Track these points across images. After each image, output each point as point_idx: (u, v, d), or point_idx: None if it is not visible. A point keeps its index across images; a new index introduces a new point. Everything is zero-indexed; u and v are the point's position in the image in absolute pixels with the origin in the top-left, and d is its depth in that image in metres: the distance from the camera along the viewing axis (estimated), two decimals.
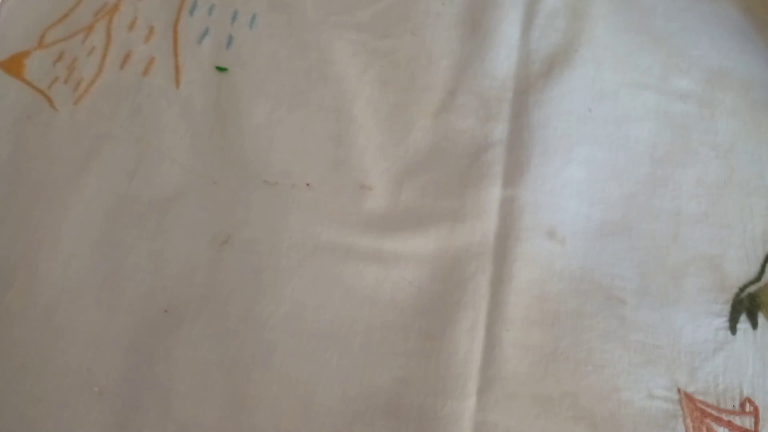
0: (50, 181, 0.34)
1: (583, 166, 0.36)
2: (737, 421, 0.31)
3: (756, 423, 0.31)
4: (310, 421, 0.30)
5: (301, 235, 0.33)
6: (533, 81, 0.38)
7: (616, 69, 0.39)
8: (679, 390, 0.31)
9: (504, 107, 0.37)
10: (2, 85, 0.37)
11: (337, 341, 0.31)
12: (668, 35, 0.40)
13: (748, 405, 0.31)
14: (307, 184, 0.34)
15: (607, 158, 0.36)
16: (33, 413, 0.29)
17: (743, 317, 0.33)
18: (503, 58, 0.38)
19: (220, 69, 0.37)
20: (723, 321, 0.33)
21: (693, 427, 0.30)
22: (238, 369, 0.31)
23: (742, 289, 0.33)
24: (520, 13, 0.40)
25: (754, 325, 0.33)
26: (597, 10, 0.40)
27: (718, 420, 0.31)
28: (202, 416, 0.30)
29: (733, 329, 0.32)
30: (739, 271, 0.34)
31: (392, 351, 0.31)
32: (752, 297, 0.33)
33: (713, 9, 0.41)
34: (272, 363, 0.31)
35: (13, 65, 0.37)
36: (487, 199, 0.34)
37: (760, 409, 0.31)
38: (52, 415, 0.29)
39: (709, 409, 0.31)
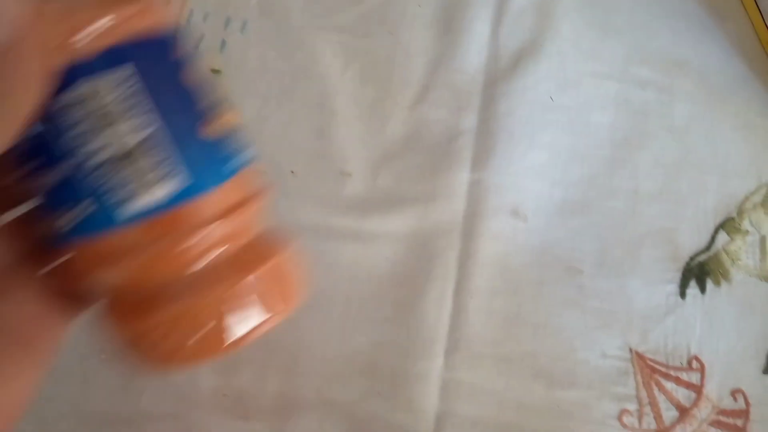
0: None
1: (545, 150, 0.39)
2: (684, 376, 0.33)
3: (702, 378, 0.33)
4: (293, 381, 0.33)
5: (286, 218, 0.37)
6: (501, 74, 0.41)
7: (579, 61, 0.42)
8: (630, 350, 0.34)
9: (474, 99, 0.40)
10: None
11: (319, 311, 0.35)
12: (630, 28, 0.43)
13: (695, 362, 0.34)
14: (292, 172, 0.38)
15: (568, 143, 0.39)
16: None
17: (692, 283, 0.36)
18: (474, 54, 0.41)
19: (215, 71, 0.41)
20: (674, 287, 0.35)
21: (643, 382, 0.33)
22: None
23: (692, 258, 0.36)
24: (490, 13, 0.43)
25: (703, 290, 0.35)
26: (562, 7, 0.43)
27: (666, 376, 0.33)
28: (196, 379, 0.33)
29: (682, 294, 0.35)
30: (691, 242, 0.37)
31: (369, 318, 0.35)
32: (701, 265, 0.36)
33: (673, 3, 0.44)
34: None
35: None
36: (456, 182, 0.38)
37: (706, 366, 0.34)
38: (62, 382, 0.33)
39: (658, 366, 0.34)
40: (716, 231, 0.37)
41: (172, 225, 0.20)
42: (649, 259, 0.36)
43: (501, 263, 0.36)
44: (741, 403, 0.33)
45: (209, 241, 0.21)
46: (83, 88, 0.19)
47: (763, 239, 0.37)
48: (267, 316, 0.22)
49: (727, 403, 0.33)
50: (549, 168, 0.38)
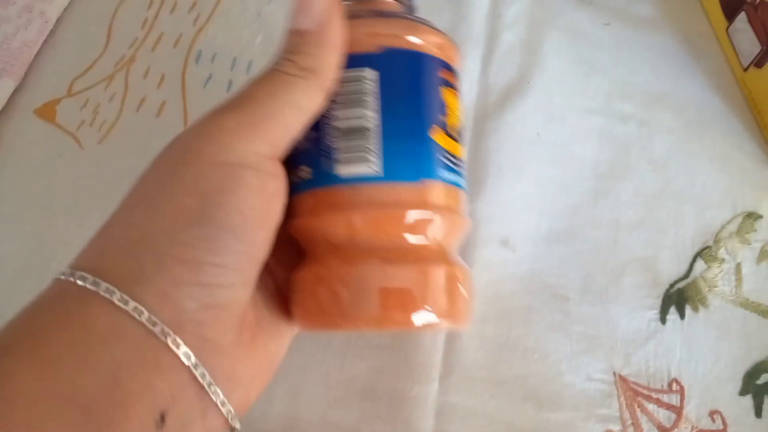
0: (80, 209, 0.40)
1: (532, 183, 0.41)
2: (665, 398, 0.36)
3: (681, 399, 0.36)
4: (298, 405, 0.35)
5: None
6: (490, 110, 0.43)
7: (564, 96, 0.44)
8: (614, 373, 0.36)
9: (465, 134, 0.42)
10: (38, 128, 0.43)
11: (321, 338, 0.37)
12: (612, 64, 0.46)
13: (674, 384, 0.36)
14: None
15: (554, 175, 0.41)
16: None
17: (672, 309, 0.38)
18: (465, 91, 0.44)
19: None
20: (655, 313, 0.38)
21: (626, 404, 0.35)
22: None
23: (672, 285, 0.38)
24: (480, 51, 0.45)
25: (682, 315, 0.38)
26: (548, 45, 0.46)
27: (648, 398, 0.36)
28: None
29: (663, 320, 0.37)
30: (671, 269, 0.39)
31: (368, 345, 0.37)
32: (681, 292, 0.38)
33: (653, 40, 0.47)
34: None
35: (47, 111, 0.44)
36: None
37: (686, 388, 0.36)
38: None
39: (640, 389, 0.36)
40: (694, 259, 0.39)
41: (379, 197, 0.26)
42: (631, 286, 0.38)
43: (492, 291, 0.38)
44: (719, 424, 0.35)
45: (405, 226, 0.26)
46: (360, 71, 0.27)
47: (738, 267, 0.39)
48: (437, 317, 0.26)
49: (706, 424, 0.35)
50: (536, 199, 0.41)
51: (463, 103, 0.43)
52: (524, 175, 0.41)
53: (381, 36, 0.28)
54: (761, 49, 0.42)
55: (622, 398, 0.35)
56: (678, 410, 0.35)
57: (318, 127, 0.27)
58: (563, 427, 0.34)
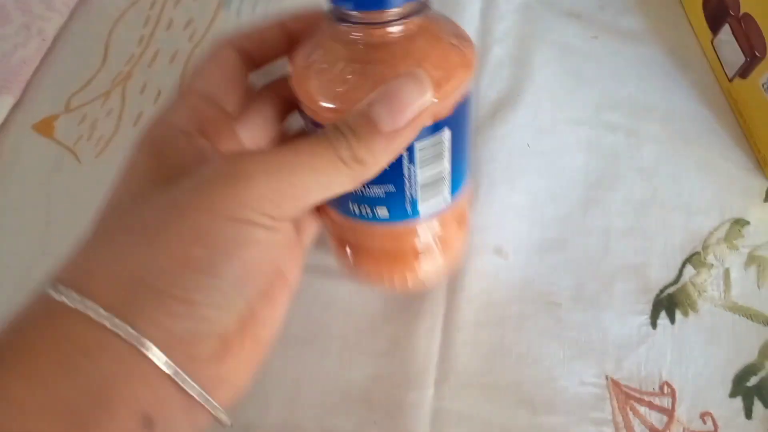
0: (78, 222, 0.40)
1: (524, 193, 0.42)
2: (656, 401, 0.36)
3: (673, 402, 0.36)
4: (295, 412, 0.36)
5: None
6: (482, 123, 0.44)
7: (554, 109, 0.45)
8: (606, 377, 0.37)
9: None
10: (36, 143, 0.44)
11: (318, 345, 0.37)
12: (600, 77, 0.47)
13: (666, 388, 0.36)
14: None
15: (545, 185, 0.42)
16: None
17: (663, 314, 0.38)
18: None
19: None
20: (645, 318, 0.38)
21: (618, 407, 0.36)
22: None
23: (662, 291, 0.39)
24: None
25: (672, 320, 0.38)
26: (538, 58, 0.47)
27: (640, 401, 0.36)
28: None
29: (653, 325, 0.38)
30: (660, 276, 0.40)
31: (364, 352, 0.37)
32: (670, 297, 0.39)
33: (640, 52, 0.48)
34: (263, 366, 0.37)
35: (45, 127, 0.44)
36: None
37: (677, 391, 0.36)
38: None
39: (632, 392, 0.36)
40: (683, 265, 0.40)
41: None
42: (622, 292, 0.39)
43: (485, 298, 0.38)
44: (710, 425, 0.36)
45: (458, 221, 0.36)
46: (441, 135, 0.29)
47: (726, 272, 0.40)
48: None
49: (697, 425, 0.36)
50: (528, 209, 0.42)
51: None
52: (516, 186, 0.42)
53: (455, 94, 0.28)
54: (745, 60, 0.43)
55: (614, 402, 0.36)
56: (670, 413, 0.36)
57: (398, 184, 0.29)
58: (557, 431, 0.35)
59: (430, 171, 0.30)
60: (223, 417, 0.25)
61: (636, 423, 0.35)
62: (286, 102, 0.34)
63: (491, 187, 0.42)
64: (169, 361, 0.22)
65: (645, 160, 0.44)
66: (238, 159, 0.25)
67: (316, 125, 0.28)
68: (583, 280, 0.39)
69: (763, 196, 0.43)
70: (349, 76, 0.26)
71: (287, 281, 0.30)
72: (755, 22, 0.42)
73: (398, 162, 0.28)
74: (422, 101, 0.25)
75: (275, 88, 0.34)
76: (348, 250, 0.35)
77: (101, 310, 0.22)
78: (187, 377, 0.23)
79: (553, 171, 0.43)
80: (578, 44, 0.48)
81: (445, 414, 0.35)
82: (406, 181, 0.29)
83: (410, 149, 0.28)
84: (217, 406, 0.25)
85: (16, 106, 0.45)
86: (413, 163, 0.29)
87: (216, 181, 0.24)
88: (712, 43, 0.47)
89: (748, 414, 0.36)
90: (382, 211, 0.31)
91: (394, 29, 0.27)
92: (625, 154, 0.44)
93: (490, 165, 0.42)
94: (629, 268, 0.40)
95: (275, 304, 0.29)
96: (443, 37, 0.28)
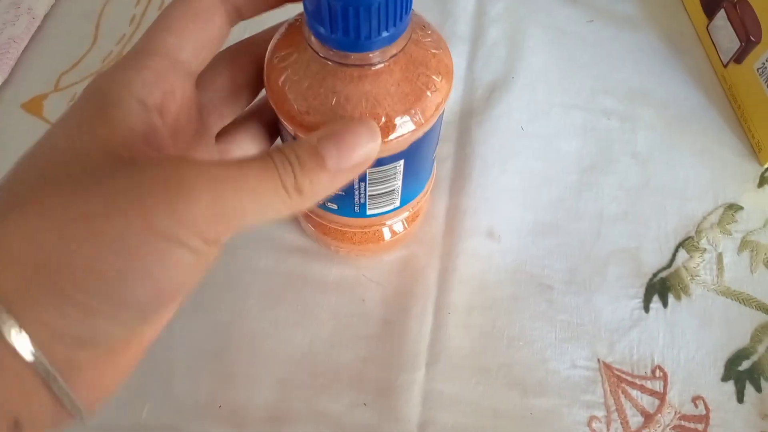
0: None
1: (517, 176, 0.41)
2: (648, 384, 0.36)
3: (665, 386, 0.36)
4: (285, 394, 0.35)
5: (278, 241, 0.39)
6: (476, 105, 0.44)
7: (549, 92, 0.45)
8: (598, 360, 0.36)
9: (451, 129, 0.43)
10: (25, 123, 0.43)
11: (309, 328, 0.37)
12: (596, 61, 0.46)
13: (658, 371, 0.36)
14: None
15: (538, 168, 0.42)
16: None
17: (655, 298, 0.38)
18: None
19: None
20: (638, 302, 0.38)
21: (610, 390, 0.36)
22: (225, 354, 0.36)
23: (655, 275, 0.39)
24: (466, 48, 0.46)
25: (665, 304, 0.38)
26: (533, 41, 0.47)
27: (632, 384, 0.36)
28: (195, 392, 0.35)
29: (646, 309, 0.38)
30: (653, 260, 0.39)
31: (355, 335, 0.37)
32: (663, 281, 0.39)
33: (636, 38, 0.48)
34: (254, 348, 0.37)
35: (34, 106, 0.44)
36: (436, 206, 0.40)
37: (669, 374, 0.36)
38: None
39: (624, 375, 0.36)
40: (676, 249, 0.40)
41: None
42: (615, 276, 0.39)
43: (477, 281, 0.38)
44: (701, 409, 0.36)
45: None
46: (395, 165, 0.29)
47: (719, 256, 0.40)
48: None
49: (689, 409, 0.35)
50: (521, 192, 0.41)
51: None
52: (509, 169, 0.42)
53: (410, 137, 0.28)
54: (740, 46, 0.43)
55: (606, 385, 0.36)
56: (661, 396, 0.35)
57: (348, 192, 0.31)
58: (548, 414, 0.35)
59: (380, 188, 0.31)
60: (86, 422, 0.23)
61: (628, 406, 0.35)
62: (275, 124, 0.32)
63: (484, 168, 0.41)
64: (45, 363, 0.20)
65: (639, 145, 0.43)
66: (183, 166, 0.22)
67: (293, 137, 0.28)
68: (576, 263, 0.39)
69: (757, 181, 0.43)
70: (321, 90, 0.26)
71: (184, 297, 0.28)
72: (751, 7, 0.42)
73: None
74: (369, 148, 0.25)
75: (266, 108, 0.32)
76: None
77: None
78: (61, 382, 0.21)
79: (547, 154, 0.43)
80: (574, 28, 0.47)
81: (437, 396, 0.35)
82: (356, 192, 0.30)
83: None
84: (81, 410, 0.23)
85: (4, 85, 0.44)
86: (364, 182, 0.29)
87: (153, 189, 0.22)
88: (707, 28, 0.47)
89: (740, 398, 0.36)
90: (332, 205, 0.32)
91: (370, 67, 0.26)
92: (619, 139, 0.43)
93: (484, 147, 0.42)
94: (622, 252, 0.40)
95: (162, 319, 0.27)
96: (419, 70, 0.27)
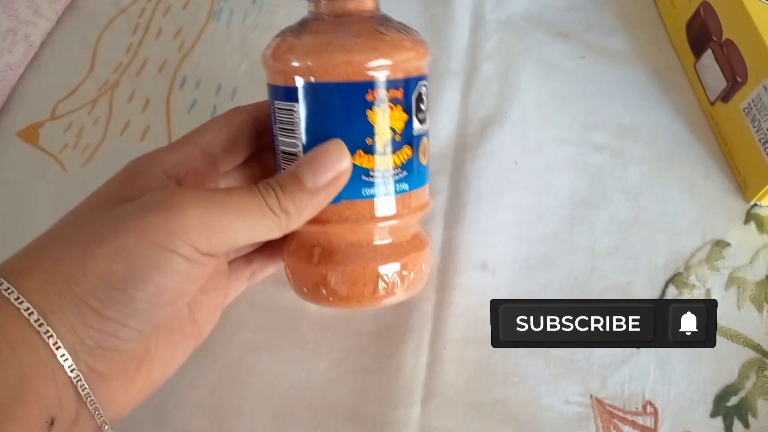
0: None
1: (510, 210, 0.42)
2: (639, 420, 0.37)
3: (655, 421, 0.37)
4: (281, 429, 0.35)
5: (276, 276, 0.39)
6: (470, 139, 0.44)
7: (541, 127, 0.46)
8: (591, 396, 0.37)
9: (446, 162, 0.44)
10: (20, 150, 0.43)
11: (305, 362, 0.37)
12: (586, 96, 0.47)
13: (648, 407, 0.37)
14: None
15: (531, 203, 0.43)
16: None
17: None
18: (446, 121, 0.45)
19: None
20: None
21: (602, 426, 0.36)
22: (221, 387, 0.36)
23: None
24: (460, 82, 0.47)
25: None
26: (525, 76, 0.47)
27: (624, 420, 0.36)
28: (190, 426, 0.35)
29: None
30: (644, 294, 0.40)
31: (352, 369, 0.37)
32: None
33: (625, 73, 0.49)
34: (251, 382, 0.37)
35: (29, 134, 0.44)
36: (430, 240, 0.41)
37: (659, 410, 0.37)
38: None
39: (616, 411, 0.37)
40: (666, 285, 0.40)
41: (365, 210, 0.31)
42: None
43: (472, 315, 0.39)
44: None
45: (407, 224, 0.33)
46: (291, 105, 0.31)
47: (708, 293, 0.40)
48: (403, 291, 0.33)
49: None
50: (514, 226, 0.42)
51: (443, 131, 0.45)
52: (503, 203, 0.42)
53: (302, 71, 0.30)
54: (727, 85, 0.44)
55: (598, 420, 0.36)
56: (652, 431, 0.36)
57: (274, 149, 0.33)
58: None
59: (285, 141, 0.32)
60: (108, 429, 0.27)
61: None
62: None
63: (478, 202, 0.42)
64: (74, 366, 0.25)
65: (630, 180, 0.44)
66: (176, 191, 0.28)
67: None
68: (570, 297, 0.40)
69: (743, 218, 0.43)
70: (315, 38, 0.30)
71: (195, 328, 0.32)
72: (737, 48, 0.43)
73: None
74: (340, 163, 0.29)
75: (264, 156, 0.36)
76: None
77: (25, 305, 0.24)
78: (86, 386, 0.25)
79: (540, 189, 0.43)
80: (566, 64, 0.48)
81: (432, 431, 0.35)
82: (277, 147, 0.33)
83: None
84: (106, 421, 0.27)
85: (0, 112, 0.44)
86: (278, 128, 0.32)
87: (151, 208, 0.26)
88: (694, 66, 0.48)
89: None
90: None
91: None
92: (610, 174, 0.44)
93: (477, 181, 0.43)
94: (615, 287, 0.40)
95: (175, 349, 0.31)
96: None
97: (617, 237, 0.42)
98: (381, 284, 0.32)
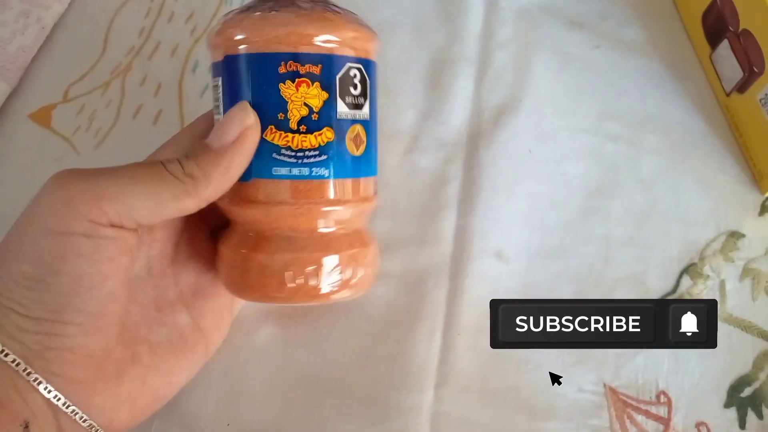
0: None
1: (524, 199, 0.42)
2: (653, 410, 0.36)
3: (669, 411, 0.36)
4: (294, 413, 0.35)
5: None
6: (484, 127, 0.44)
7: (555, 116, 0.45)
8: (605, 385, 0.37)
9: (459, 150, 0.43)
10: (32, 133, 0.43)
11: (318, 347, 0.37)
12: (601, 86, 0.47)
13: (662, 396, 0.37)
14: None
15: (545, 192, 0.42)
16: None
17: None
18: (459, 108, 0.45)
19: None
20: None
21: (616, 415, 0.36)
22: (235, 372, 0.36)
23: None
24: (473, 70, 0.46)
25: None
26: (539, 65, 0.47)
27: (637, 409, 0.36)
28: (202, 409, 0.35)
29: None
30: (659, 285, 0.40)
31: (365, 354, 0.37)
32: None
33: (640, 63, 0.48)
34: (261, 366, 0.37)
35: (42, 116, 0.44)
36: (444, 227, 0.41)
37: (673, 400, 0.37)
38: None
39: (629, 400, 0.37)
40: (680, 276, 0.40)
41: (313, 192, 0.30)
42: None
43: (486, 303, 0.38)
44: None
45: (333, 217, 0.31)
46: (216, 80, 0.32)
47: (722, 283, 0.40)
48: (348, 287, 0.32)
49: None
50: (528, 215, 0.42)
51: (456, 119, 0.45)
52: (517, 191, 0.42)
53: (223, 43, 0.31)
54: (743, 76, 0.44)
55: (612, 409, 0.36)
56: (666, 421, 0.36)
57: None
58: None
59: (216, 118, 0.33)
60: None
61: (633, 431, 0.36)
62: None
63: (492, 190, 0.42)
64: (30, 370, 0.24)
65: (644, 171, 0.44)
66: (59, 173, 0.27)
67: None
68: (584, 288, 0.39)
69: (758, 209, 0.43)
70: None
71: (201, 336, 0.33)
72: (754, 39, 0.43)
73: None
74: (245, 122, 0.28)
75: None
76: None
77: None
78: (51, 388, 0.25)
79: (554, 178, 0.43)
80: (580, 53, 0.48)
81: (445, 418, 0.35)
82: None
83: None
84: (94, 425, 0.27)
85: (12, 95, 0.44)
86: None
87: (37, 197, 0.26)
88: (710, 57, 0.47)
89: (742, 424, 0.36)
90: None
91: None
92: (624, 164, 0.44)
93: (491, 169, 0.43)
94: (629, 277, 0.40)
95: (178, 358, 0.31)
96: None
97: (631, 227, 0.42)
98: (288, 277, 0.30)
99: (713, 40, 0.47)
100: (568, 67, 0.47)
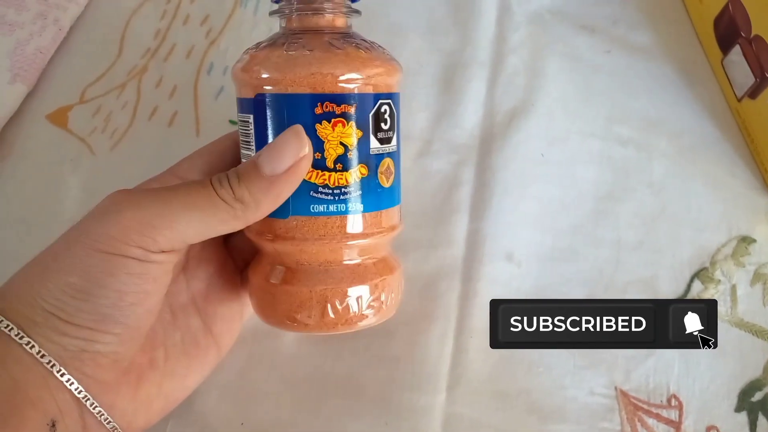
0: None
1: (536, 202, 0.42)
2: (664, 413, 0.37)
3: (680, 414, 0.37)
4: (307, 414, 0.36)
5: None
6: (496, 130, 0.44)
7: (566, 119, 0.45)
8: (616, 388, 0.37)
9: (471, 153, 0.44)
10: (49, 133, 0.43)
11: (330, 348, 0.37)
12: (612, 90, 0.47)
13: (673, 400, 0.37)
14: None
15: (556, 195, 0.43)
16: None
17: None
18: (471, 111, 0.45)
19: (233, 122, 0.44)
20: None
21: (627, 418, 0.36)
22: (248, 372, 0.37)
23: None
24: (486, 74, 0.47)
25: None
26: (551, 69, 0.47)
27: (648, 413, 0.37)
28: (217, 409, 0.35)
29: None
30: (669, 289, 0.40)
31: (378, 355, 0.37)
32: None
33: (650, 67, 0.49)
34: (275, 367, 0.37)
35: (58, 117, 0.44)
36: (456, 230, 0.41)
37: (684, 404, 0.37)
38: None
39: (641, 404, 0.37)
40: (691, 280, 0.40)
41: (348, 226, 0.31)
42: None
43: None
44: None
45: (365, 248, 0.32)
46: (246, 116, 0.31)
47: (733, 288, 0.40)
48: (378, 314, 0.32)
49: None
50: (539, 218, 0.42)
51: (469, 122, 0.45)
52: (529, 194, 0.42)
53: (255, 82, 0.30)
54: (755, 81, 0.44)
55: (623, 412, 0.36)
56: (677, 425, 0.36)
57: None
58: None
59: (244, 154, 0.32)
60: None
61: None
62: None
63: (504, 194, 0.42)
64: (63, 371, 0.26)
65: (654, 175, 0.44)
66: (115, 194, 0.28)
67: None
68: (595, 290, 0.40)
69: None
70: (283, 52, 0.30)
71: (213, 340, 0.33)
72: (766, 44, 0.43)
73: None
74: (300, 153, 0.28)
75: None
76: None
77: (5, 323, 0.26)
78: (81, 388, 0.27)
79: (565, 181, 0.43)
80: (591, 57, 0.48)
81: (457, 419, 0.36)
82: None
83: None
84: (117, 426, 0.28)
85: (29, 95, 0.44)
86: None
87: (91, 217, 0.27)
88: (722, 62, 0.48)
89: (753, 428, 0.36)
90: None
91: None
92: (635, 168, 0.44)
93: (503, 172, 0.43)
94: (639, 281, 0.40)
95: (190, 361, 0.32)
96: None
97: (642, 231, 0.42)
98: (329, 308, 0.31)
99: (725, 46, 0.47)
100: (579, 71, 0.48)
